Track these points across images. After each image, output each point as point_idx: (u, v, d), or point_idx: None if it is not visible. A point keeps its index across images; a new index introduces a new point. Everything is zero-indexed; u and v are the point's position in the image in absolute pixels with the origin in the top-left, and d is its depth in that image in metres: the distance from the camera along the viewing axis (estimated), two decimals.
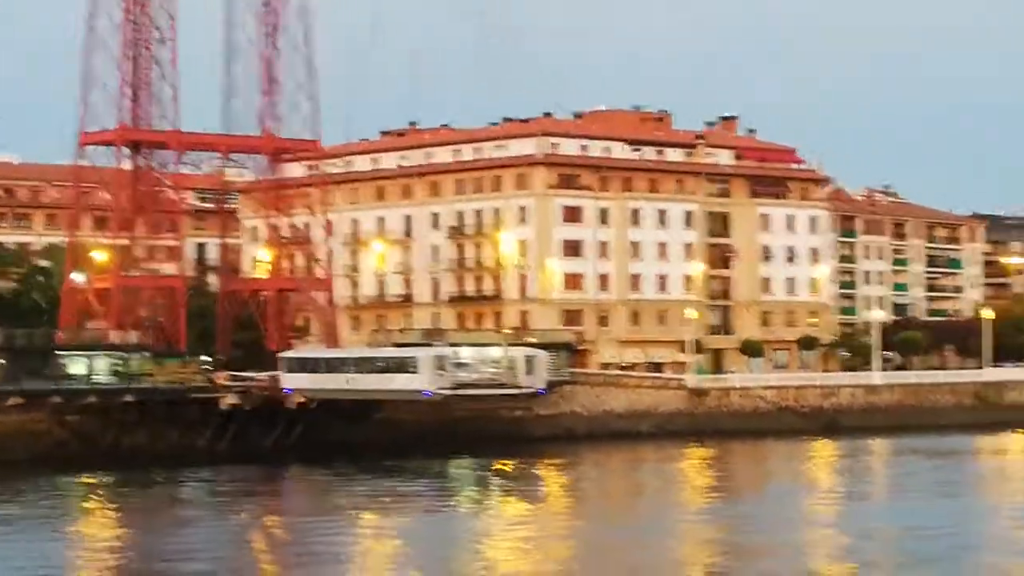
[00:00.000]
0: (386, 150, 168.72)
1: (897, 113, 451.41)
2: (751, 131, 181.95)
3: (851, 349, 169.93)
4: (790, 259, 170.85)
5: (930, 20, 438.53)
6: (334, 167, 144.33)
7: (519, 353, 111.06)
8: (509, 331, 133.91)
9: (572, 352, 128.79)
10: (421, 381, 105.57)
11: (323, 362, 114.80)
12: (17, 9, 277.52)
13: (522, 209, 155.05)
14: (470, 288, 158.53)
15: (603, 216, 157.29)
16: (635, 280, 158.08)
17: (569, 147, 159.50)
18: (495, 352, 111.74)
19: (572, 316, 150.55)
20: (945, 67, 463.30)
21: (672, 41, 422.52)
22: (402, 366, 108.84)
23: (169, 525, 69.99)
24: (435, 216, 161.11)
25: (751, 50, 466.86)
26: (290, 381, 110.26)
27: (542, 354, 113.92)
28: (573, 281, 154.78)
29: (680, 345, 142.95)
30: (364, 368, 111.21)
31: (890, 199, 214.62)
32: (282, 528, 67.50)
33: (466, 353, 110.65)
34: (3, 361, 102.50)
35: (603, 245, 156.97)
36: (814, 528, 61.79)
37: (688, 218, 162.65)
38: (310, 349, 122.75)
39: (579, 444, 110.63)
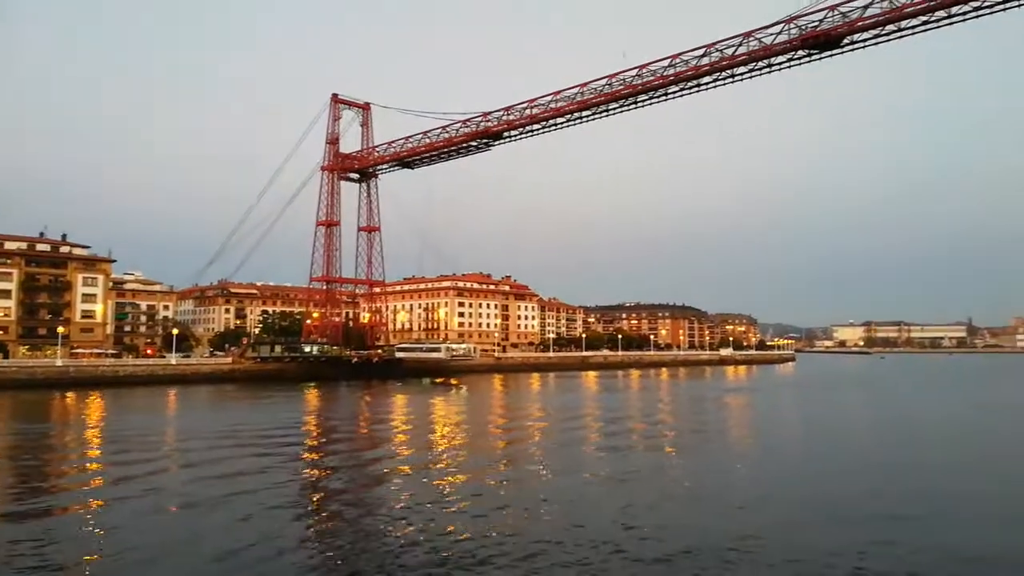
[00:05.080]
0: (405, 282, 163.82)
1: (558, 256, 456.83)
2: (507, 276, 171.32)
3: (545, 345, 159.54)
4: (524, 320, 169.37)
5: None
6: (389, 290, 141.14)
7: (470, 347, 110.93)
8: (442, 341, 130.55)
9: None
10: (442, 355, 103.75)
11: (409, 348, 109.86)
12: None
13: (446, 304, 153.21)
14: (430, 328, 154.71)
15: (471, 307, 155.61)
16: (479, 325, 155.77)
17: (461, 285, 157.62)
18: (464, 347, 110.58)
19: (463, 337, 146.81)
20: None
21: (490, 236, 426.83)
22: (436, 350, 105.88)
23: (336, 401, 68.18)
24: (420, 305, 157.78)
25: (530, 242, 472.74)
26: (399, 354, 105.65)
27: (475, 347, 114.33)
28: (462, 326, 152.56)
29: (493, 346, 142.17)
30: (423, 351, 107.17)
31: (558, 300, 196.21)
32: (372, 400, 65.56)
33: (454, 347, 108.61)
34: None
35: (469, 315, 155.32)
36: (544, 407, 60.69)
37: (494, 307, 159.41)
38: (402, 343, 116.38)
39: (465, 375, 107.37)
